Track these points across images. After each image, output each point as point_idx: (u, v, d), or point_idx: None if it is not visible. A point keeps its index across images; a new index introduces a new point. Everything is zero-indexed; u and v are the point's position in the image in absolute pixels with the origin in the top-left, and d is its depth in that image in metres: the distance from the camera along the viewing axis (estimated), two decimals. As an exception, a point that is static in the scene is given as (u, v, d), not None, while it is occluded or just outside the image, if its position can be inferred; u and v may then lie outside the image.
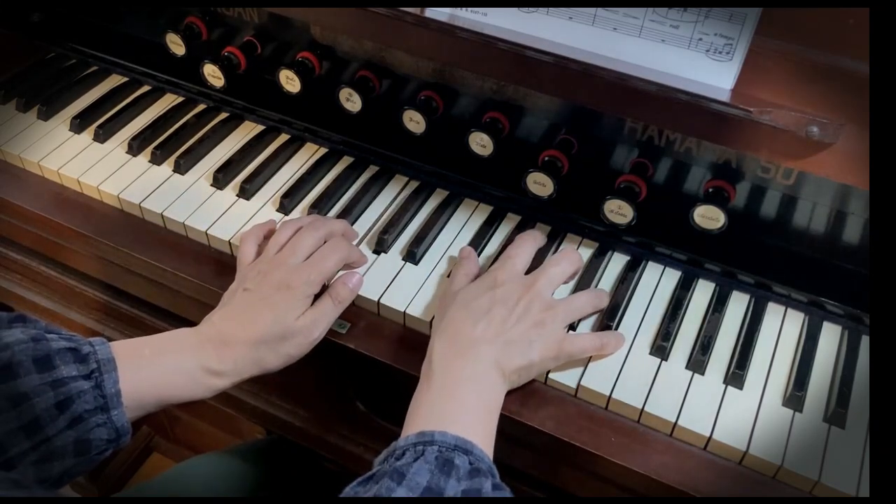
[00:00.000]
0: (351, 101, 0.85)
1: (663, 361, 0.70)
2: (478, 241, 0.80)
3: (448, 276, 0.78)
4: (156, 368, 0.65)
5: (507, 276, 0.70)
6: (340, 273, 0.76)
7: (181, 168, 0.89)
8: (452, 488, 0.53)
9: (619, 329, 0.73)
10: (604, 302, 0.74)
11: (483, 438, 0.60)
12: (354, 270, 0.76)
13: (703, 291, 0.77)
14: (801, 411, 0.66)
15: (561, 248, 0.80)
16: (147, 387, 0.64)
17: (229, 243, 0.81)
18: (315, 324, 0.70)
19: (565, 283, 0.75)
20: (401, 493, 0.52)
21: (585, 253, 0.80)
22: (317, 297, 0.72)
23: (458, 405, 0.61)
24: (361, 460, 0.88)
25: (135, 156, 0.91)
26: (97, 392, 0.60)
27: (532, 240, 0.76)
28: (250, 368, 0.68)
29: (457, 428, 0.58)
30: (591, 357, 0.70)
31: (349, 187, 0.88)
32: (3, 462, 0.56)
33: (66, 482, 0.61)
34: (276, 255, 0.73)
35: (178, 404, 0.67)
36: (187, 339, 0.68)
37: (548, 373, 0.69)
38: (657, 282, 0.77)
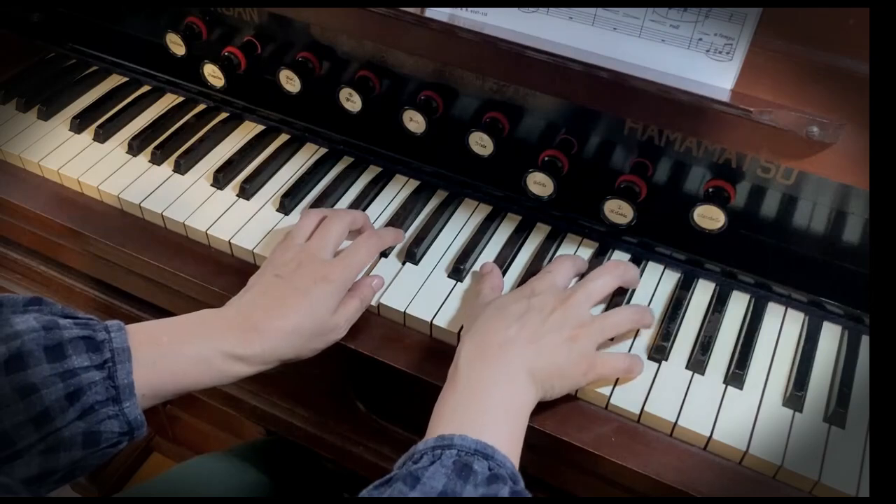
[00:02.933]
0: (351, 101, 0.85)
1: (663, 361, 0.70)
2: (477, 241, 0.80)
3: (448, 275, 0.78)
4: (174, 358, 0.62)
5: (545, 287, 0.69)
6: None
7: (181, 168, 0.89)
8: (469, 494, 0.51)
9: (619, 329, 0.73)
10: (646, 319, 0.71)
11: (507, 443, 0.58)
12: (375, 275, 0.76)
13: (703, 291, 0.77)
14: (801, 411, 0.66)
15: (604, 261, 0.77)
16: (165, 377, 0.62)
17: (229, 243, 0.81)
18: (347, 323, 0.70)
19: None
20: (414, 497, 0.51)
21: (585, 253, 0.80)
22: None
23: (482, 408, 0.59)
24: (361, 460, 0.88)
25: (135, 156, 0.91)
26: (109, 383, 0.58)
27: (573, 260, 0.75)
28: (276, 357, 0.66)
29: (479, 432, 0.56)
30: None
31: (349, 187, 0.88)
32: (10, 454, 0.55)
33: (79, 475, 0.60)
34: (307, 244, 0.73)
35: (198, 391, 0.65)
36: (210, 322, 0.66)
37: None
38: (657, 282, 0.77)
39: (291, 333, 0.66)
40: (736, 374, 0.68)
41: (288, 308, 0.67)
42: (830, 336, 0.72)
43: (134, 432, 0.60)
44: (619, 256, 0.79)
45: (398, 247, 0.81)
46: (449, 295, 0.76)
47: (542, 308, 0.66)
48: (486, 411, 0.59)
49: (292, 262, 0.70)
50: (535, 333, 0.64)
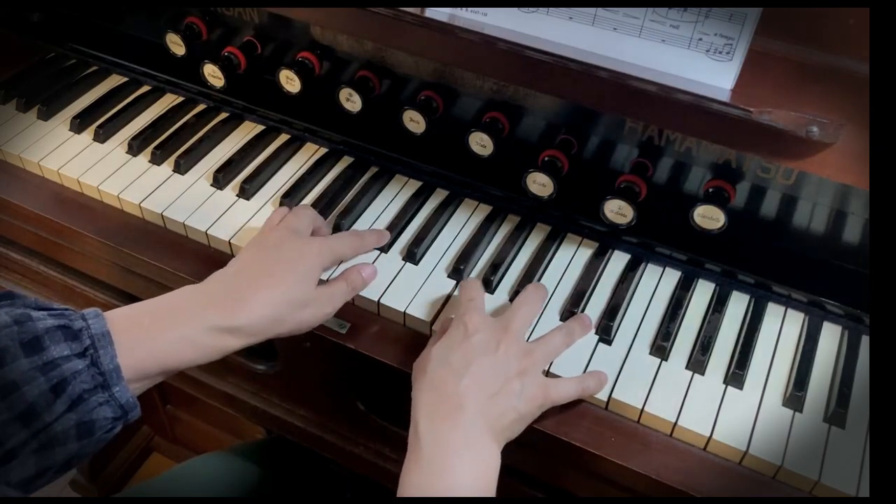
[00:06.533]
0: (351, 101, 0.85)
1: (663, 361, 0.70)
2: (478, 241, 0.80)
3: (448, 275, 0.78)
4: (157, 339, 0.61)
5: (478, 322, 0.66)
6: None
7: (181, 168, 0.89)
8: None
9: (620, 329, 0.73)
10: (575, 336, 0.71)
11: None
12: (368, 263, 0.77)
13: (703, 291, 0.77)
14: (801, 411, 0.66)
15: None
16: (149, 359, 0.60)
17: (229, 243, 0.81)
18: (331, 298, 0.70)
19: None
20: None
21: (586, 253, 0.80)
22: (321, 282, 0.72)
23: (451, 485, 0.57)
24: (361, 460, 0.88)
25: (135, 156, 0.91)
26: (94, 370, 0.56)
27: (477, 282, 0.74)
28: (265, 328, 0.65)
29: None
30: (590, 358, 0.70)
31: (349, 187, 0.88)
32: (3, 456, 0.53)
33: (75, 465, 0.59)
34: (283, 222, 0.74)
35: (187, 368, 0.64)
36: (193, 299, 0.64)
37: (547, 373, 0.69)
38: (657, 282, 0.77)
39: (279, 301, 0.66)
40: (736, 375, 0.68)
41: (274, 276, 0.67)
42: (830, 336, 0.73)
43: (128, 414, 0.59)
44: (620, 256, 0.79)
45: (398, 246, 0.81)
46: (449, 295, 0.76)
47: (485, 349, 0.64)
48: (453, 489, 0.57)
49: (273, 237, 0.71)
50: (487, 379, 0.62)
